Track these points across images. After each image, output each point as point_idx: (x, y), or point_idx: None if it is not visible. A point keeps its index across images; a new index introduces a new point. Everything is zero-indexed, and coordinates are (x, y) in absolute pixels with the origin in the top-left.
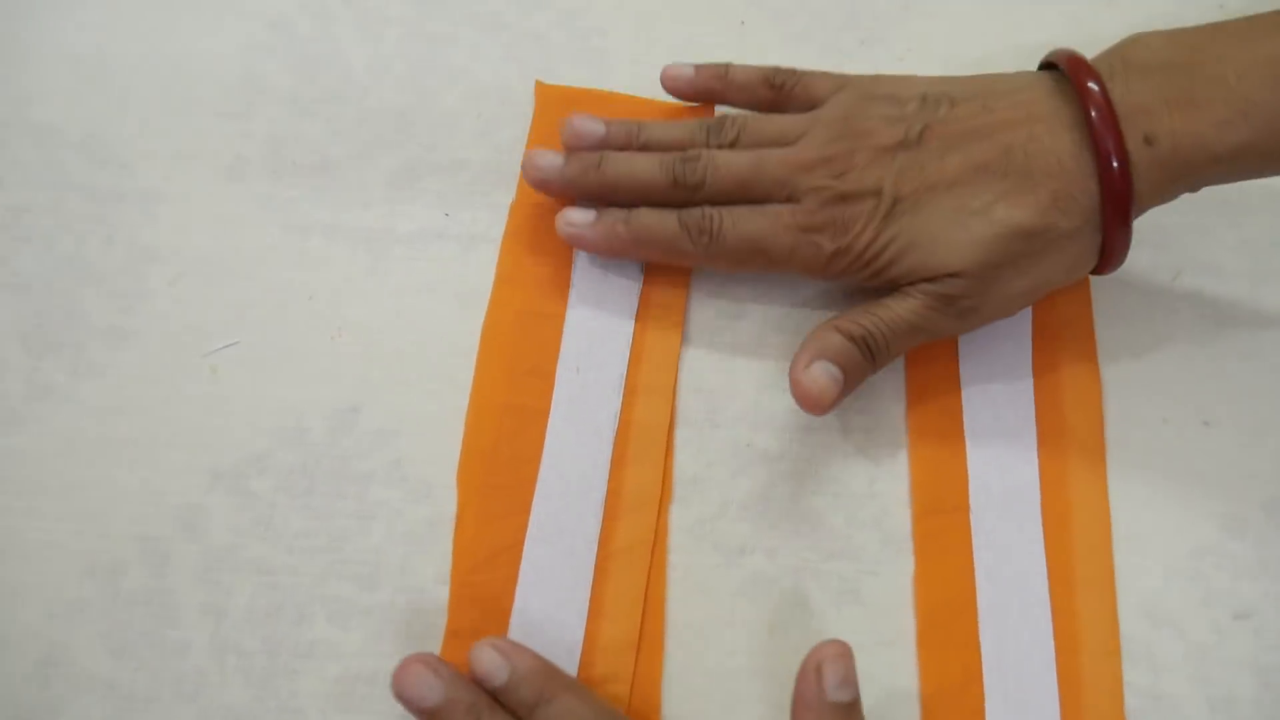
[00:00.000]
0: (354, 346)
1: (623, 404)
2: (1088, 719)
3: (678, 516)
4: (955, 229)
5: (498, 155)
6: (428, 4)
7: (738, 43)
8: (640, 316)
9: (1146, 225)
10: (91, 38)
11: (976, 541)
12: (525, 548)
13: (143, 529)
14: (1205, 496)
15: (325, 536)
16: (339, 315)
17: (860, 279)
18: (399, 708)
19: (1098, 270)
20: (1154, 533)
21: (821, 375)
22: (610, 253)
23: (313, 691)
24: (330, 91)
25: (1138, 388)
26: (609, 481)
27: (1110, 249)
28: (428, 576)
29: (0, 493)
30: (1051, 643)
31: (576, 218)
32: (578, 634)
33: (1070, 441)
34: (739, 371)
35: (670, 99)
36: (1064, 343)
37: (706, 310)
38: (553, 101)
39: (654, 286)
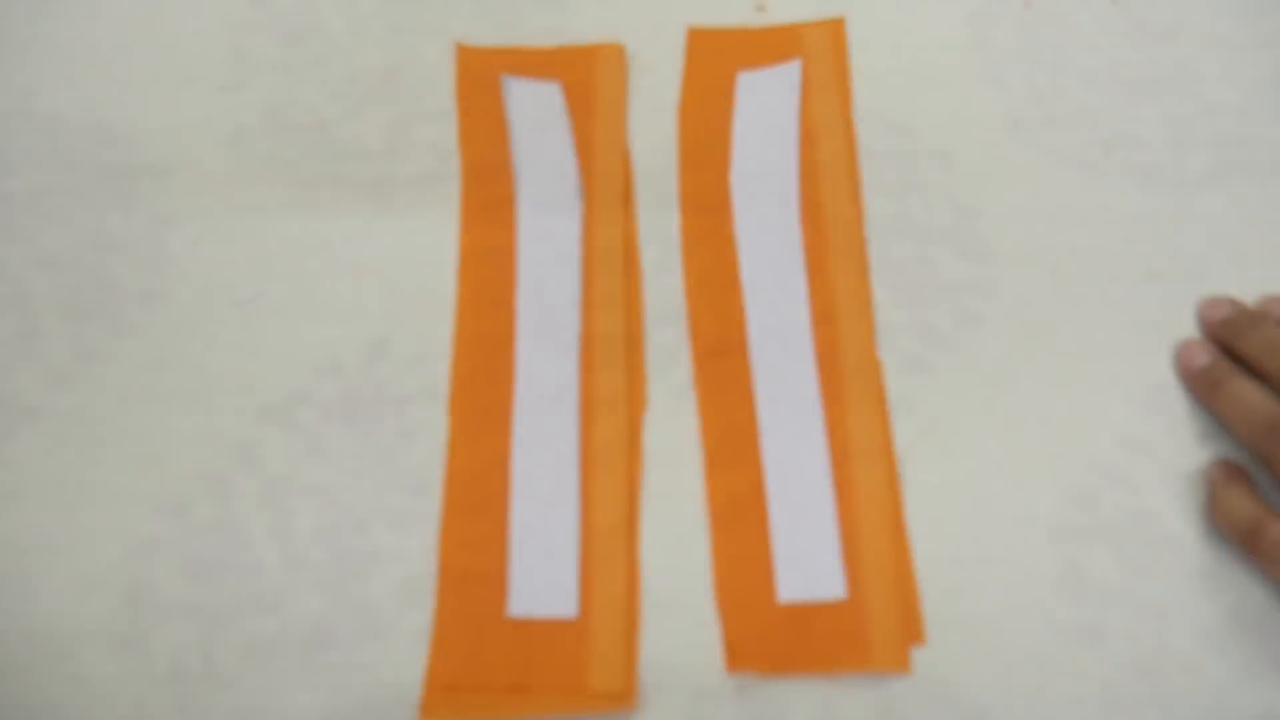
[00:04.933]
0: (374, 284)
1: (582, 319)
2: (863, 514)
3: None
4: None
5: None
6: None
7: None
8: (587, 238)
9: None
10: (82, 28)
11: (756, 374)
12: (513, 460)
13: (203, 467)
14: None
15: (374, 455)
16: (355, 258)
17: None
18: None
19: None
20: (1118, 372)
21: None
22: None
23: (383, 592)
24: (317, 57)
25: (1087, 249)
26: (581, 390)
27: None
28: None
29: (65, 449)
30: (826, 452)
31: (1193, 356)
32: (573, 527)
33: (838, 274)
34: None
35: (580, 42)
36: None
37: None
38: (475, 64)
39: (595, 206)
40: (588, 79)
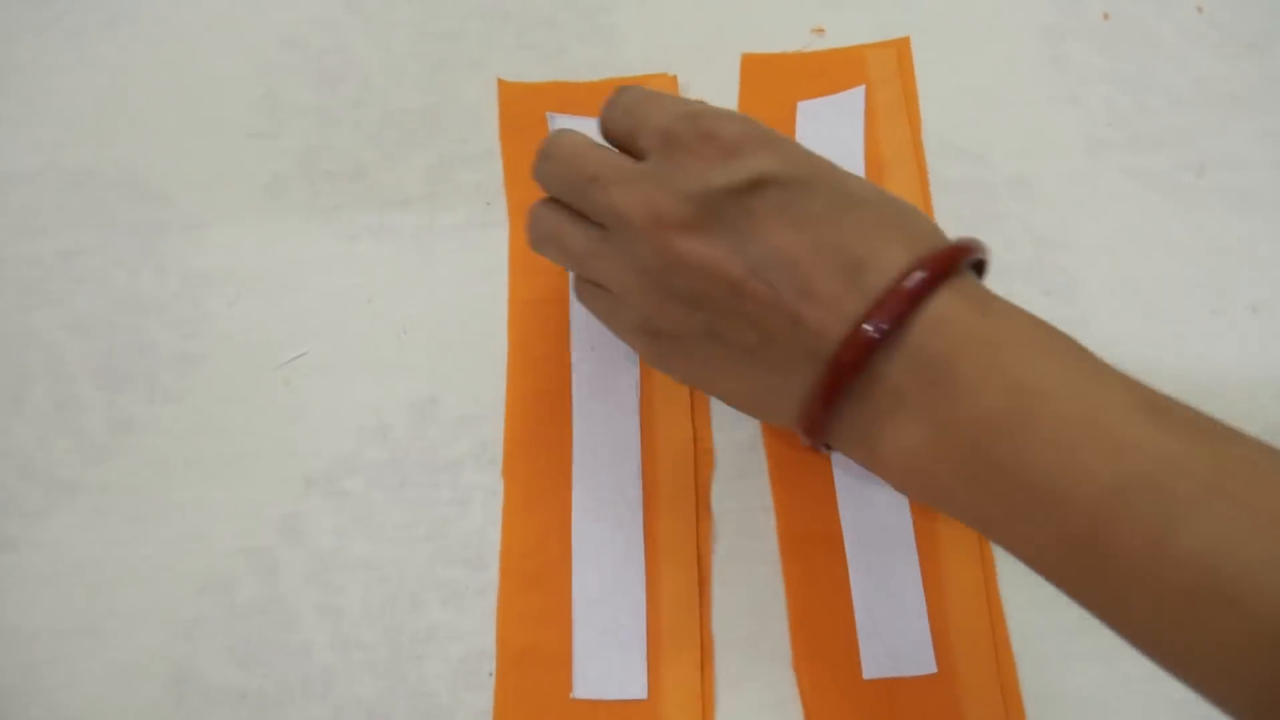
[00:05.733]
0: (420, 340)
1: (642, 371)
2: (951, 578)
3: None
4: None
5: None
6: (431, 3)
7: (744, 10)
8: None
9: None
10: (109, 78)
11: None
12: (574, 526)
13: (247, 542)
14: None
15: (426, 525)
16: (400, 313)
17: None
18: None
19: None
20: (1220, 414)
21: None
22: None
23: (440, 674)
24: (352, 99)
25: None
26: (643, 448)
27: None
28: None
29: (104, 524)
30: (908, 510)
31: None
32: (640, 598)
33: None
34: None
35: (628, 74)
36: None
37: None
38: (517, 99)
39: None
40: None
